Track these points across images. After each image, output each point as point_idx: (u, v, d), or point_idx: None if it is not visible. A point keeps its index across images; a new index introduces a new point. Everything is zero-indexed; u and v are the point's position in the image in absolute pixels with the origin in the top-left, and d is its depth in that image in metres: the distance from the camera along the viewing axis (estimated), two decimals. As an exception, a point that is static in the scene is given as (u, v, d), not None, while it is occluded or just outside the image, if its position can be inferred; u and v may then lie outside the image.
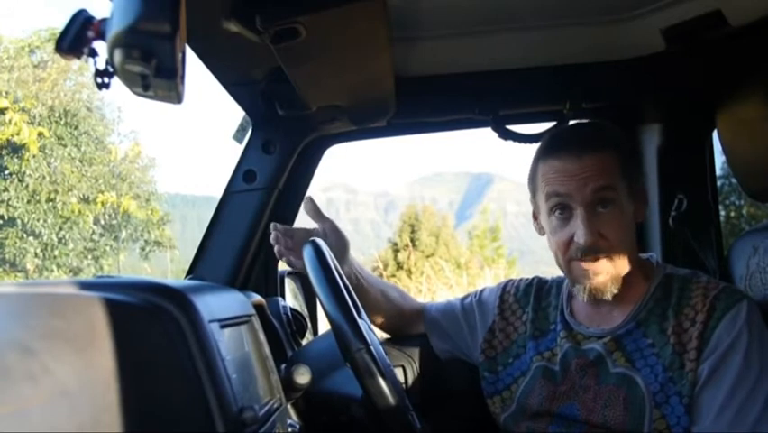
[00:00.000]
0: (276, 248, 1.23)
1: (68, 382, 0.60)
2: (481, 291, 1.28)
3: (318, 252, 0.96)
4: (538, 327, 1.15)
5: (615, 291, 1.02)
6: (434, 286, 7.56)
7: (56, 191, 12.98)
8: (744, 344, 0.93)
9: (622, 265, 1.02)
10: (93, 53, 0.53)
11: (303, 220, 1.43)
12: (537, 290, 1.20)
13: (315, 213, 1.28)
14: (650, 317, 1.02)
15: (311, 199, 1.30)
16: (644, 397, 0.97)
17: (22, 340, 0.61)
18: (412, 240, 15.97)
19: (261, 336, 0.93)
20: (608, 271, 1.01)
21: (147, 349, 0.66)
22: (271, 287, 1.40)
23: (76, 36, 0.53)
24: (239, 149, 1.32)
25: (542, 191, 1.05)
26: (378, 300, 1.28)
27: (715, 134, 1.32)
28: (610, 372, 1.01)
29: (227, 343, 0.75)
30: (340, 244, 1.24)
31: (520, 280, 1.25)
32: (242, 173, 1.29)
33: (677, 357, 0.96)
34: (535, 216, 1.11)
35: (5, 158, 12.69)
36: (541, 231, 1.10)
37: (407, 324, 1.33)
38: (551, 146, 1.06)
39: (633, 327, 1.03)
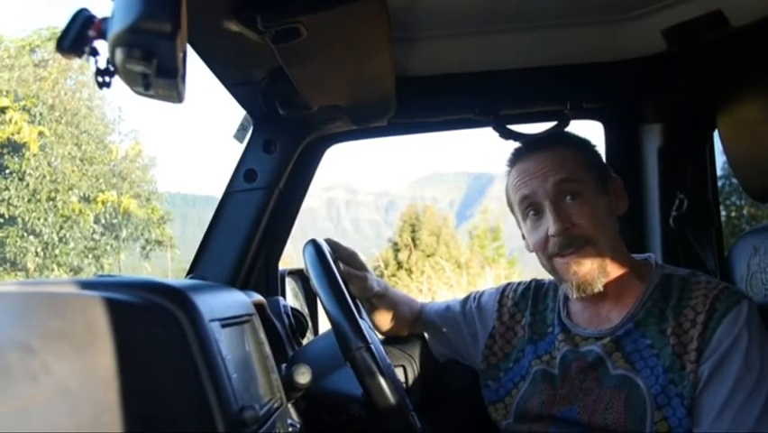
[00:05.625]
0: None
1: (69, 382, 0.60)
2: (480, 296, 1.27)
3: (318, 251, 0.96)
4: (536, 331, 1.15)
5: (603, 282, 1.02)
6: (434, 286, 7.57)
7: (56, 190, 12.98)
8: (744, 344, 0.93)
9: (605, 255, 1.02)
10: (94, 52, 0.53)
11: (303, 220, 1.43)
12: (535, 292, 1.20)
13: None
14: (648, 317, 1.02)
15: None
16: (646, 399, 0.96)
17: (22, 339, 0.61)
18: (413, 240, 15.93)
19: (262, 336, 0.93)
20: (592, 261, 1.01)
21: (147, 348, 0.66)
22: (272, 286, 1.40)
23: (77, 35, 0.53)
24: (240, 148, 1.32)
25: (514, 203, 1.09)
26: (403, 314, 1.27)
27: (715, 134, 1.32)
28: (610, 374, 1.01)
29: (228, 342, 0.75)
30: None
31: (518, 283, 1.24)
32: (243, 173, 1.29)
33: (677, 358, 0.96)
34: (523, 236, 1.12)
35: (6, 157, 12.69)
36: (529, 248, 1.10)
37: (410, 329, 1.32)
38: (511, 158, 1.11)
39: (631, 328, 1.02)
